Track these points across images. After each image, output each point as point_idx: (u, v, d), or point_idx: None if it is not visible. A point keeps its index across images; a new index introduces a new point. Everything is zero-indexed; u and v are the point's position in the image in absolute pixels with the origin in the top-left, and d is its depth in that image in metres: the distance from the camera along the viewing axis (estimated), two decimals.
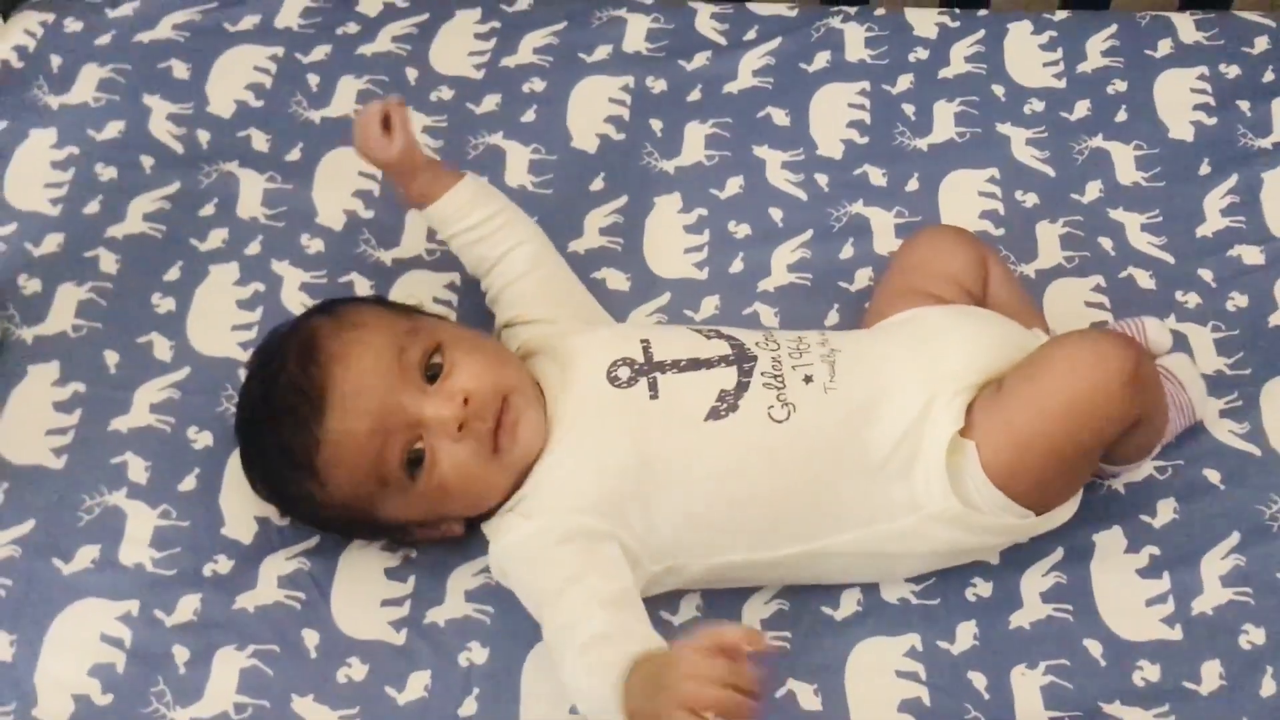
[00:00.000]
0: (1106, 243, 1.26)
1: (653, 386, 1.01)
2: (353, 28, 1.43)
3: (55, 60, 1.39)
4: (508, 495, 1.01)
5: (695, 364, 1.02)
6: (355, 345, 0.98)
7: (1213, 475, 1.10)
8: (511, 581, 1.00)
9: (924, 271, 1.12)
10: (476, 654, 1.01)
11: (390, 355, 0.98)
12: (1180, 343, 1.18)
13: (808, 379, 1.01)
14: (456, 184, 1.15)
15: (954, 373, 1.01)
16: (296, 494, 1.01)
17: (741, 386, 1.00)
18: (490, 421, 0.99)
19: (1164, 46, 1.41)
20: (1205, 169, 1.31)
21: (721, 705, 0.76)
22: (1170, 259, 1.25)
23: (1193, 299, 1.22)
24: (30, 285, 1.21)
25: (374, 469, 0.97)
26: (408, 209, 1.27)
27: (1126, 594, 1.04)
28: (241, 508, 1.08)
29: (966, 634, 1.03)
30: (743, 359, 1.02)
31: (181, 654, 1.01)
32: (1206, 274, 1.23)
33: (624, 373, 1.02)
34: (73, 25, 1.42)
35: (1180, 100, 1.37)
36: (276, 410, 0.98)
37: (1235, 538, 1.06)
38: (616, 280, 1.24)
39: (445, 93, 1.38)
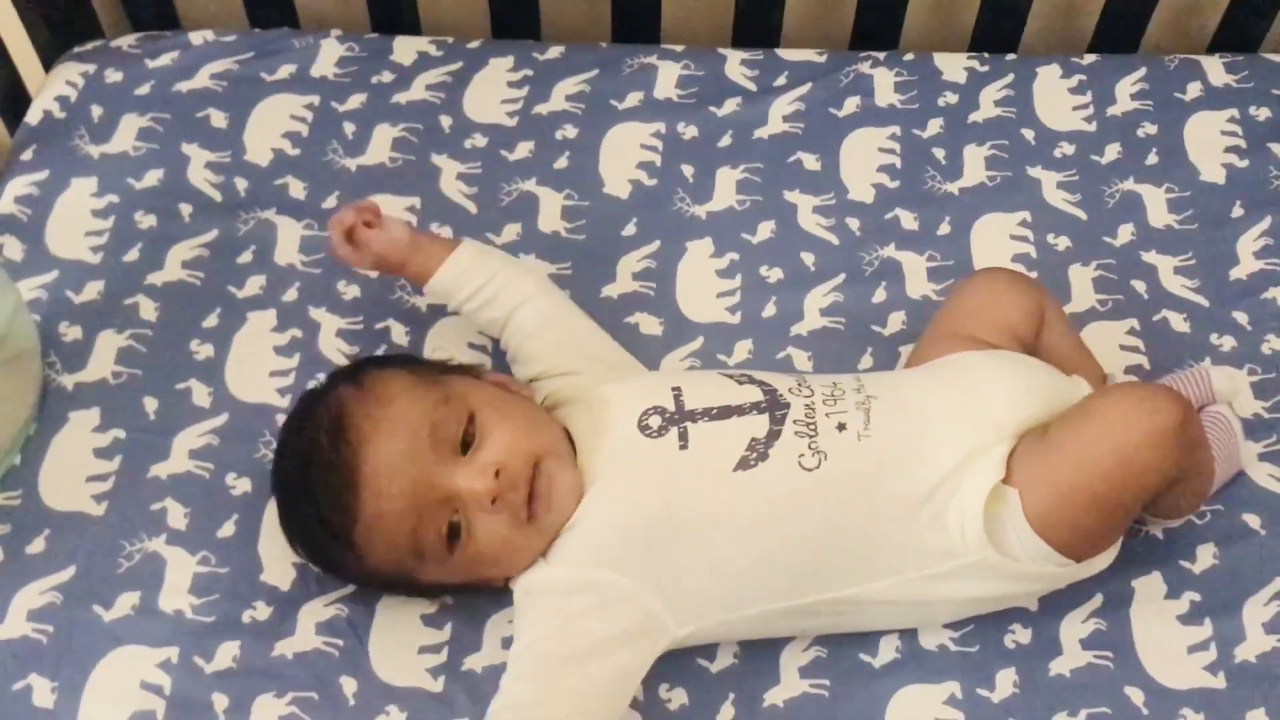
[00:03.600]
0: (1140, 286, 1.26)
1: (683, 436, 1.01)
2: (387, 76, 1.45)
3: (96, 110, 1.41)
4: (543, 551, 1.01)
5: (726, 411, 1.02)
6: (385, 425, 0.97)
7: (1252, 520, 1.10)
8: (515, 615, 1.01)
9: (978, 317, 1.11)
10: None
11: (423, 433, 0.97)
12: None
13: (841, 426, 1.00)
14: (449, 256, 1.14)
15: (996, 422, 1.00)
16: (337, 562, 1.01)
17: (773, 435, 1.00)
18: (523, 490, 0.98)
19: (1193, 89, 1.42)
20: (1238, 211, 1.31)
21: None
22: (1204, 302, 1.25)
23: (1228, 342, 1.22)
24: (71, 332, 1.22)
25: (410, 543, 0.97)
26: None
27: (1167, 641, 1.04)
28: (280, 554, 1.08)
29: (1006, 681, 1.02)
30: (775, 406, 1.02)
31: (221, 701, 1.01)
32: (1241, 317, 1.23)
33: (655, 421, 1.02)
34: (113, 76, 1.44)
35: (1211, 143, 1.37)
36: (312, 487, 0.98)
37: (1278, 583, 1.05)
38: (649, 325, 1.25)
39: (479, 140, 1.39)
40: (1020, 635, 1.04)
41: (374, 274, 1.23)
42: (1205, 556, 1.08)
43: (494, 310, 1.14)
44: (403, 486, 0.96)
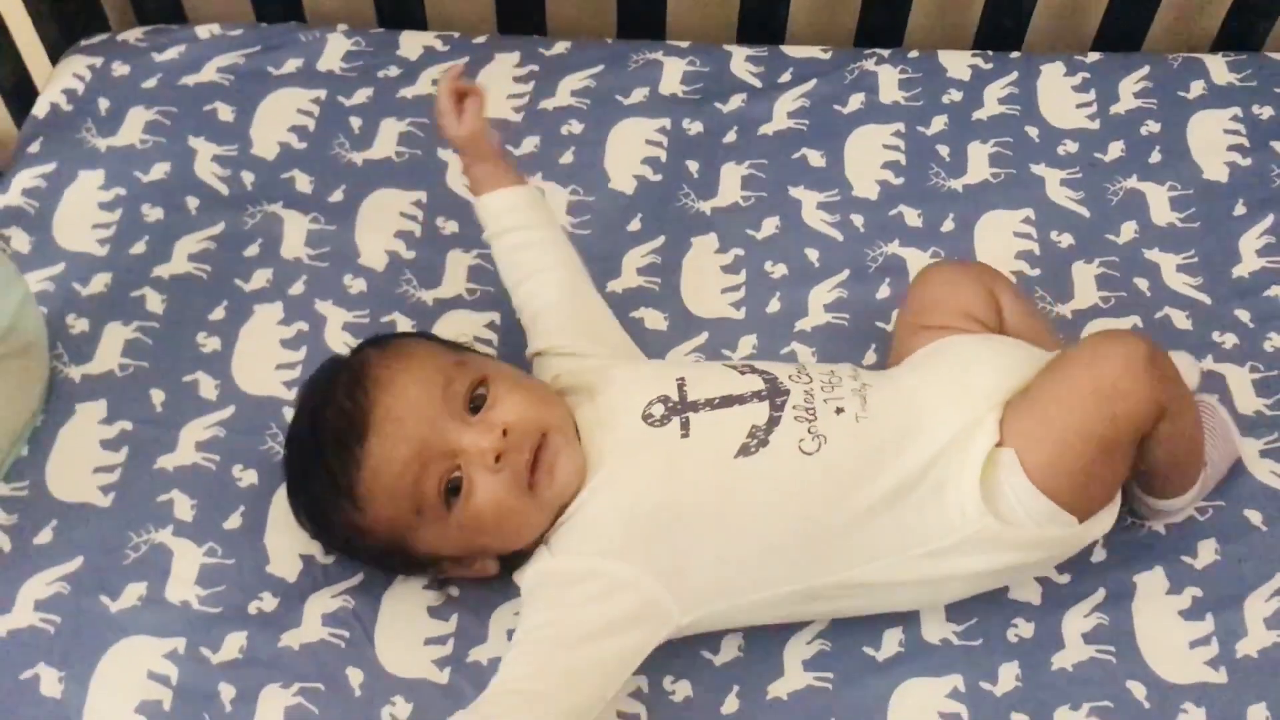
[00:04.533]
0: (1142, 283, 1.27)
1: (684, 425, 1.02)
2: (394, 71, 1.45)
3: (103, 103, 1.41)
4: (542, 534, 1.02)
5: (728, 400, 1.03)
6: (402, 374, 1.00)
7: (1254, 516, 1.10)
8: (522, 609, 1.01)
9: (937, 309, 1.12)
10: None
11: (436, 385, 0.99)
12: (1218, 383, 1.18)
13: (839, 410, 1.01)
14: (511, 186, 1.17)
15: (986, 391, 1.02)
16: (336, 521, 1.01)
17: (773, 421, 1.01)
18: (527, 454, 0.99)
19: (1196, 88, 1.43)
20: (1240, 210, 1.32)
21: None
22: (1207, 299, 1.25)
23: (1230, 339, 1.22)
24: (78, 325, 1.23)
25: (411, 497, 0.98)
26: (449, 249, 1.29)
27: (1169, 636, 1.04)
28: (286, 546, 1.09)
29: (1009, 675, 1.03)
30: (775, 393, 1.03)
31: (228, 692, 1.01)
32: (1244, 314, 1.24)
33: (658, 410, 1.03)
34: (120, 69, 1.45)
35: (1214, 141, 1.38)
36: (321, 435, 1.00)
37: (1278, 579, 1.06)
38: (654, 320, 1.25)
39: None
40: (1023, 629, 1.05)
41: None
42: (1207, 552, 1.08)
43: (524, 256, 1.15)
44: (410, 433, 0.97)
